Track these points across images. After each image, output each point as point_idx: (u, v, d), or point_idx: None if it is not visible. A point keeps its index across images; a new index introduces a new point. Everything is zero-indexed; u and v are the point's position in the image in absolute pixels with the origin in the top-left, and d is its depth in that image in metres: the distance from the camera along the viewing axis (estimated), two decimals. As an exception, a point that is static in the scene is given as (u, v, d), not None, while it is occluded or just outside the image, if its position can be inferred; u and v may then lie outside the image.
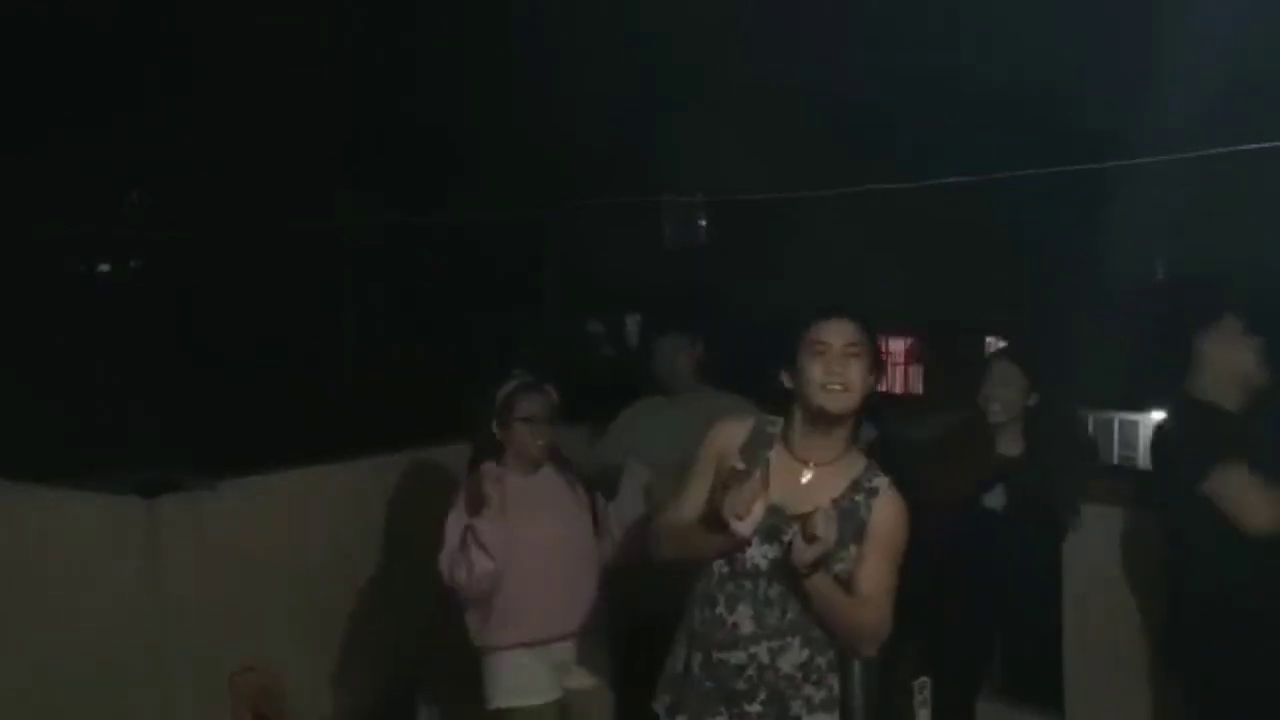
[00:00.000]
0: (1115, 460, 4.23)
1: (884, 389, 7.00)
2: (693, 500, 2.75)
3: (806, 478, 2.66)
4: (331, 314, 7.79)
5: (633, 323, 5.85)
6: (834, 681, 2.71)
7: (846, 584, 2.62)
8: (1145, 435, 4.10)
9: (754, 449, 2.71)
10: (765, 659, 2.64)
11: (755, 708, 2.65)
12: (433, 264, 7.42)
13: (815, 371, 2.60)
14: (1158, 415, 4.12)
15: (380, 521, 4.46)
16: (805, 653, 2.65)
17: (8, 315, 6.28)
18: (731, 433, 2.76)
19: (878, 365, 2.68)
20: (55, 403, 6.08)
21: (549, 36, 5.74)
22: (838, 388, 2.59)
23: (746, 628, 2.64)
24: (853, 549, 2.62)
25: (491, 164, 6.74)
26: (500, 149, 6.59)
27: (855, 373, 2.60)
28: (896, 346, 7.15)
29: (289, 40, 6.21)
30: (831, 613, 2.58)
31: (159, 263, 8.02)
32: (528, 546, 3.42)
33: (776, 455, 2.69)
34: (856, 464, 2.70)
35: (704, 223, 6.12)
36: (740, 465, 2.66)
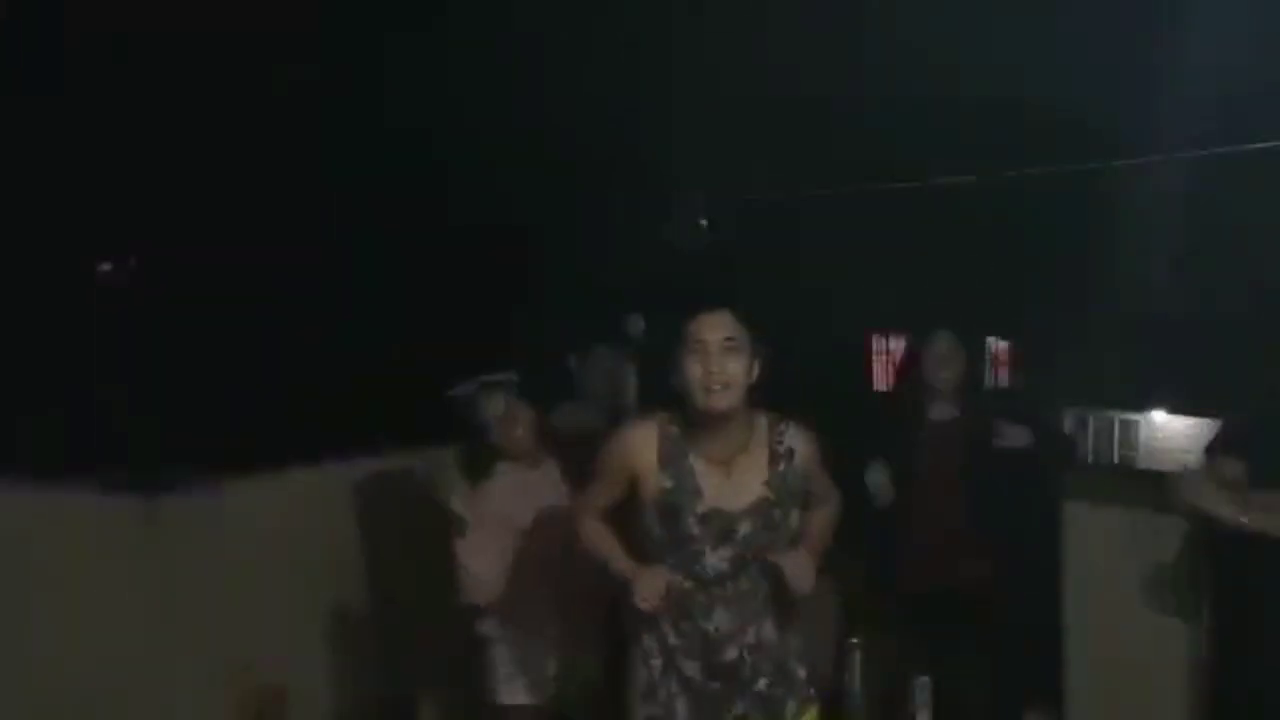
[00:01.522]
0: (1116, 460, 4.25)
1: (885, 388, 6.99)
2: (596, 498, 2.84)
3: (731, 475, 2.69)
4: (331, 314, 7.78)
5: (634, 324, 5.86)
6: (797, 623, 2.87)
7: (792, 543, 2.73)
8: (1145, 435, 4.12)
9: (673, 460, 2.70)
10: (753, 639, 2.73)
11: (763, 683, 2.73)
12: (432, 264, 7.41)
13: (695, 371, 2.62)
14: (1158, 415, 4.14)
15: (380, 521, 4.47)
16: (777, 613, 2.76)
17: (7, 315, 6.27)
18: (642, 442, 2.73)
19: (759, 354, 2.69)
20: (55, 403, 6.07)
21: (549, 36, 5.74)
22: (718, 387, 2.61)
23: (729, 626, 2.70)
24: (795, 512, 2.74)
25: (492, 164, 6.74)
26: (500, 149, 6.58)
27: (734, 368, 2.62)
28: (896, 345, 7.15)
29: (289, 39, 6.22)
30: (827, 544, 2.84)
31: (159, 263, 8.02)
32: (516, 542, 3.44)
33: (695, 461, 2.70)
34: (761, 433, 2.73)
35: (705, 222, 6.13)
36: (668, 484, 2.68)
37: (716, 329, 2.63)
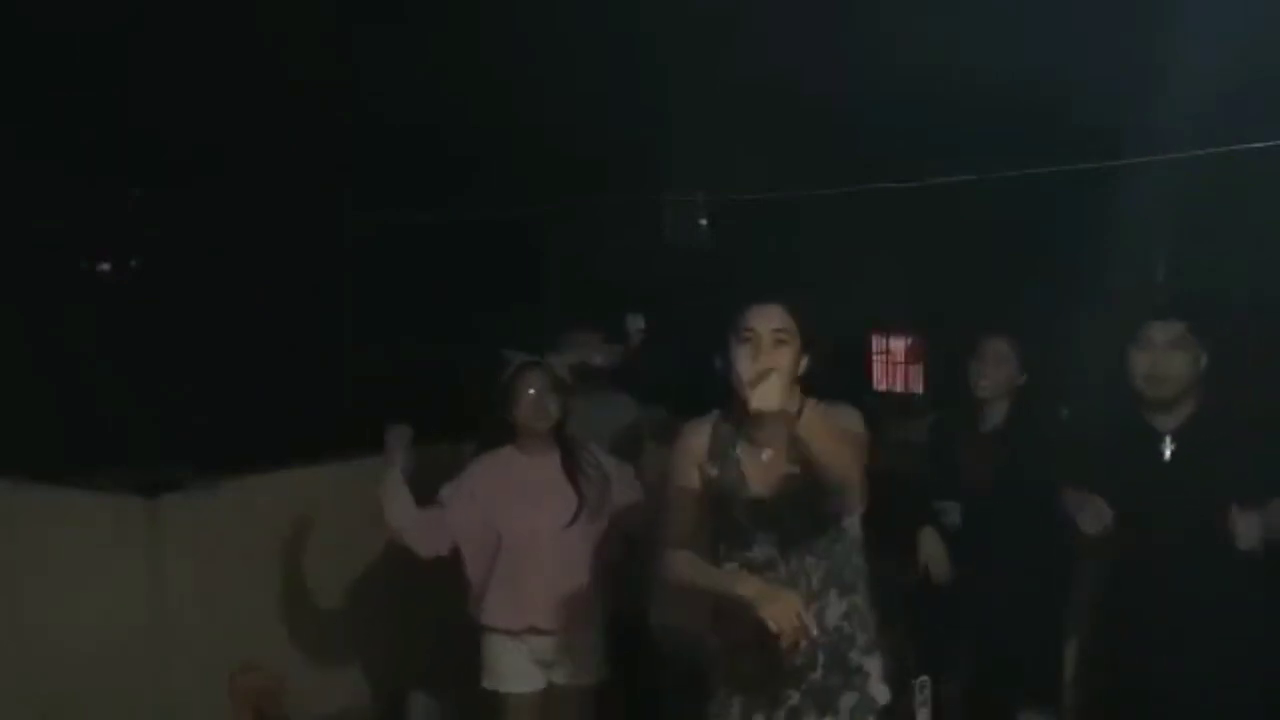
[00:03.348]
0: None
1: (885, 388, 7.00)
2: (689, 516, 2.78)
3: (771, 460, 2.73)
4: (332, 314, 7.78)
5: (634, 322, 5.86)
6: (873, 621, 2.81)
7: (837, 519, 2.70)
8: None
9: (721, 449, 2.77)
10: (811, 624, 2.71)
11: (819, 673, 2.74)
12: (433, 264, 7.41)
13: (744, 360, 2.61)
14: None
15: (380, 520, 4.46)
16: (844, 602, 2.75)
17: (7, 315, 6.27)
18: (696, 439, 2.79)
19: (810, 349, 2.70)
20: (55, 403, 6.08)
21: (550, 35, 5.74)
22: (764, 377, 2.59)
23: None
24: (829, 484, 2.64)
25: (491, 164, 6.74)
26: (500, 149, 6.58)
27: (782, 361, 2.61)
28: (897, 345, 7.15)
29: (289, 39, 6.21)
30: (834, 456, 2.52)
31: (159, 262, 8.02)
32: (516, 533, 3.45)
33: (741, 449, 2.76)
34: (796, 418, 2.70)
35: (704, 222, 6.13)
36: (714, 472, 2.75)
37: (769, 319, 2.66)
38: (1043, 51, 4.50)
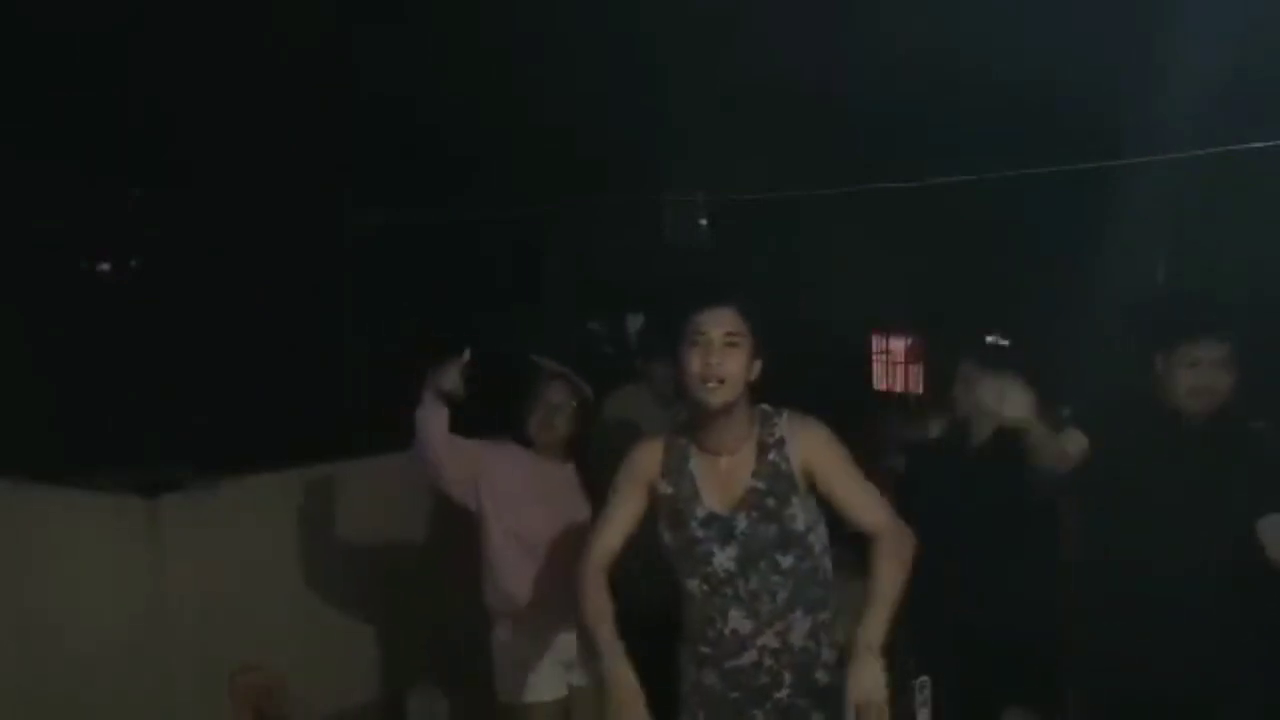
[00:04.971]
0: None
1: (885, 388, 6.99)
2: (617, 524, 2.71)
3: (727, 473, 2.66)
4: (332, 314, 7.78)
5: (633, 322, 5.86)
6: (840, 636, 2.74)
7: (803, 535, 2.64)
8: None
9: (675, 467, 2.70)
10: (775, 644, 2.67)
11: (784, 693, 2.68)
12: (433, 264, 7.42)
13: (694, 364, 2.56)
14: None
15: (380, 521, 4.46)
16: (809, 620, 2.69)
17: (7, 315, 6.27)
18: (649, 456, 2.72)
19: (760, 352, 2.63)
20: (55, 403, 6.08)
21: (550, 35, 5.74)
22: (714, 383, 2.56)
23: (745, 627, 2.67)
24: (796, 500, 2.62)
25: (492, 163, 6.74)
26: (500, 148, 6.58)
27: (734, 364, 2.56)
28: (897, 345, 7.16)
29: (289, 39, 6.21)
30: (900, 590, 2.52)
31: (159, 262, 8.02)
32: (536, 534, 3.45)
33: (695, 463, 2.68)
34: (756, 426, 2.66)
35: (704, 222, 6.13)
36: (669, 490, 2.67)
37: (719, 323, 2.59)
38: (1043, 51, 4.49)
